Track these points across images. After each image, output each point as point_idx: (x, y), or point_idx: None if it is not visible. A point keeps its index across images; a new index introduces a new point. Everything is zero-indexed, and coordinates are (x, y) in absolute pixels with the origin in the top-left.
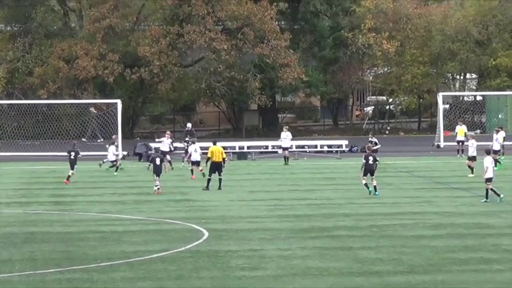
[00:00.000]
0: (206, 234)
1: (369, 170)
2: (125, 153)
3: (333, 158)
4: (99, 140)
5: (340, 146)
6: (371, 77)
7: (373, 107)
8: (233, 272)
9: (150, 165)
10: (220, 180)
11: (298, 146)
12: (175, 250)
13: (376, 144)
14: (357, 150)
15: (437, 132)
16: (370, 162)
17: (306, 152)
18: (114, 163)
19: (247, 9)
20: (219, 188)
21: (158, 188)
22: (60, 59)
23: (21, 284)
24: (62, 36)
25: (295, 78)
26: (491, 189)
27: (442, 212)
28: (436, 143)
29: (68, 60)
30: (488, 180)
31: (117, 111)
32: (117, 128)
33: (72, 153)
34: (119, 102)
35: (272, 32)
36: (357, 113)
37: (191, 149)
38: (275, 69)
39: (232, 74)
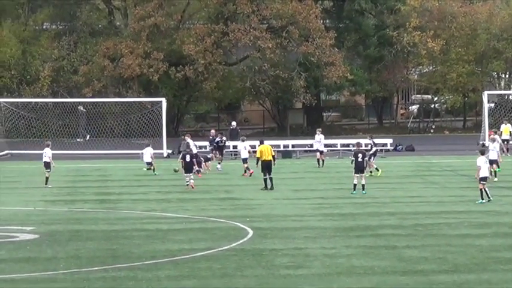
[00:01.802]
0: (251, 232)
1: (358, 167)
2: (169, 151)
3: (378, 156)
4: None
5: (384, 144)
6: (416, 76)
7: (418, 105)
8: (278, 270)
9: (181, 162)
10: (271, 179)
11: (343, 145)
12: (220, 248)
13: (374, 144)
14: (402, 149)
15: (482, 131)
16: (359, 159)
17: (350, 150)
18: (150, 166)
19: (292, 7)
20: (271, 187)
21: (187, 184)
22: (105, 58)
23: (66, 281)
24: (107, 34)
25: (340, 77)
26: (483, 190)
27: (487, 211)
28: (481, 142)
29: (112, 59)
30: (483, 179)
31: (161, 109)
32: (162, 126)
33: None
34: (163, 100)
35: (317, 31)
36: (402, 111)
37: (240, 146)
38: (320, 68)
39: (277, 73)
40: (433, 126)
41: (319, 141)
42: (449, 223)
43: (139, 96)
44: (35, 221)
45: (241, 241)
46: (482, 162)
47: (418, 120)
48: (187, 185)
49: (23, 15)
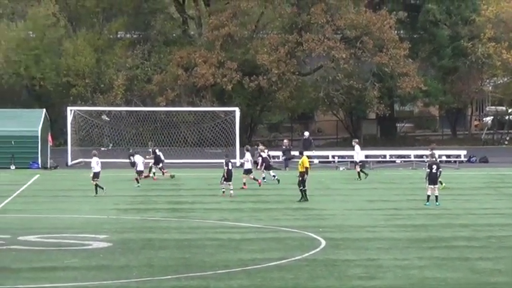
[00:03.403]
0: (323, 243)
1: (432, 178)
2: (242, 161)
3: (451, 168)
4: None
5: (458, 156)
6: (490, 87)
7: (492, 117)
8: (350, 281)
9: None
10: (305, 191)
11: (416, 156)
12: (292, 258)
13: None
14: (476, 160)
15: None
16: (434, 170)
17: (424, 161)
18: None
19: (366, 18)
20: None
21: (224, 192)
22: (178, 67)
23: None
24: (181, 43)
25: (413, 88)
26: None
27: None
28: None
29: (186, 68)
30: None
31: (235, 119)
32: (235, 136)
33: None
34: (237, 110)
35: (391, 41)
36: (476, 123)
37: (248, 157)
38: (394, 78)
39: (350, 83)
40: (507, 138)
41: (357, 152)
42: None
43: (213, 106)
44: (108, 229)
45: (313, 251)
46: None
47: (492, 131)
48: (223, 192)
49: (97, 24)
